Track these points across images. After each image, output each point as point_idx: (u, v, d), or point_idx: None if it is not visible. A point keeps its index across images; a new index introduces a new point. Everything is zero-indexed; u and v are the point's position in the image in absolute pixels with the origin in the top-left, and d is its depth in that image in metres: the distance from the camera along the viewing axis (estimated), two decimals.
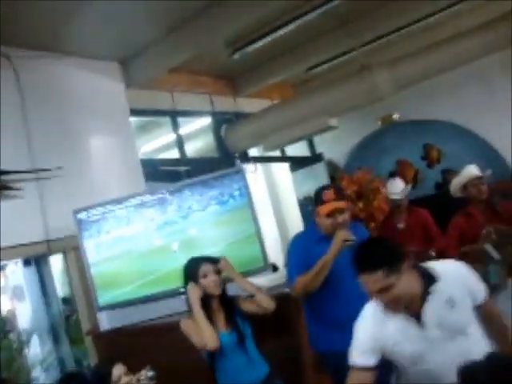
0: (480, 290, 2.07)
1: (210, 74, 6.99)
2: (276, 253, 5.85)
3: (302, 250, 2.89)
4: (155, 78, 5.87)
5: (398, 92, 6.30)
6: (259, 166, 7.97)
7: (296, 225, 7.67)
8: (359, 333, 2.06)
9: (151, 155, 7.04)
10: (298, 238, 3.12)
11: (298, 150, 8.65)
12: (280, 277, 3.83)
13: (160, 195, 3.78)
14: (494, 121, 7.50)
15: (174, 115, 6.53)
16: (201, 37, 5.16)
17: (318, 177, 8.10)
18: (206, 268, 2.78)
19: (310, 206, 8.01)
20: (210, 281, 2.75)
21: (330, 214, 2.77)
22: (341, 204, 2.80)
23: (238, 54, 6.15)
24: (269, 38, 5.90)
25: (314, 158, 8.62)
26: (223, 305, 2.81)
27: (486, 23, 5.92)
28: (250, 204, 3.57)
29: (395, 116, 7.98)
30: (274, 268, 4.65)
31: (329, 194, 2.81)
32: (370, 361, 2.01)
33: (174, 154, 6.60)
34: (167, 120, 6.58)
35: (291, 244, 3.05)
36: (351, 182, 6.98)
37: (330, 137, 7.98)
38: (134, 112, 5.70)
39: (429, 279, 1.98)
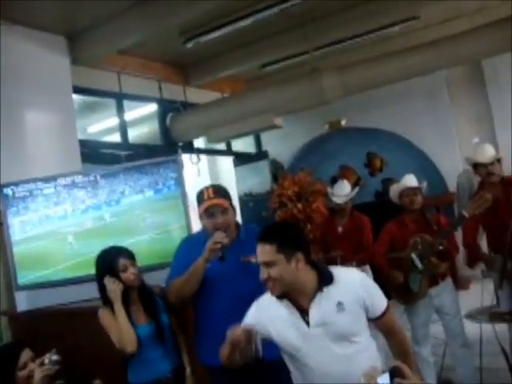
0: (378, 304, 2.06)
1: (161, 60, 6.89)
2: None
3: (186, 253, 2.67)
4: (103, 58, 5.72)
5: (344, 98, 6.39)
6: (204, 157, 7.93)
7: None
8: (248, 314, 2.10)
9: (97, 136, 6.87)
10: (186, 240, 2.91)
11: (245, 145, 8.67)
12: None
13: (92, 177, 3.67)
14: (435, 136, 7.76)
15: (120, 98, 6.39)
16: (154, 20, 5.06)
17: (260, 174, 8.15)
18: (124, 261, 2.68)
19: (250, 202, 8.05)
20: (130, 274, 2.66)
21: (208, 213, 2.57)
22: (219, 201, 2.57)
23: (191, 42, 6.09)
24: (224, 31, 5.87)
25: (259, 155, 8.65)
26: (142, 296, 2.74)
27: (436, 41, 6.09)
28: (183, 195, 3.51)
29: (343, 122, 8.10)
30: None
31: (208, 192, 2.61)
32: None
33: (119, 137, 6.46)
34: (113, 102, 6.44)
35: (178, 246, 2.85)
36: (292, 183, 7.04)
37: (277, 136, 8.04)
38: (78, 90, 5.54)
39: (325, 280, 2.02)
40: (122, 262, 2.67)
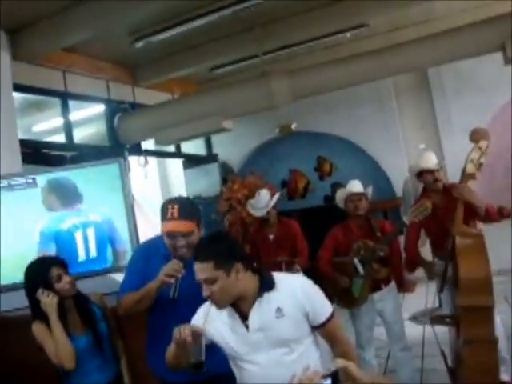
0: (319, 311, 2.04)
1: (109, 60, 6.74)
2: None
3: (141, 263, 2.51)
4: (47, 55, 5.55)
5: (293, 102, 6.41)
6: (154, 160, 7.80)
7: None
8: (195, 316, 2.09)
9: (43, 136, 6.64)
10: (143, 247, 2.72)
11: (195, 148, 8.60)
12: None
13: (31, 179, 3.52)
14: (383, 141, 7.92)
15: (65, 97, 6.20)
16: (100, 19, 4.93)
17: (210, 177, 8.11)
18: (57, 270, 2.54)
19: (199, 205, 7.96)
20: (65, 283, 2.53)
21: (170, 235, 2.38)
22: (182, 227, 2.34)
23: (141, 42, 5.98)
24: (175, 31, 5.79)
25: (209, 157, 8.60)
26: (77, 305, 2.62)
27: (383, 49, 6.20)
28: (126, 197, 3.43)
29: (293, 126, 8.15)
30: None
31: (173, 211, 2.34)
32: None
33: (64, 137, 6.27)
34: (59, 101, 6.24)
35: (134, 253, 2.69)
36: (242, 186, 7.03)
37: (228, 139, 8.01)
38: (19, 87, 5.32)
39: (265, 285, 2.02)
40: (55, 271, 2.53)
